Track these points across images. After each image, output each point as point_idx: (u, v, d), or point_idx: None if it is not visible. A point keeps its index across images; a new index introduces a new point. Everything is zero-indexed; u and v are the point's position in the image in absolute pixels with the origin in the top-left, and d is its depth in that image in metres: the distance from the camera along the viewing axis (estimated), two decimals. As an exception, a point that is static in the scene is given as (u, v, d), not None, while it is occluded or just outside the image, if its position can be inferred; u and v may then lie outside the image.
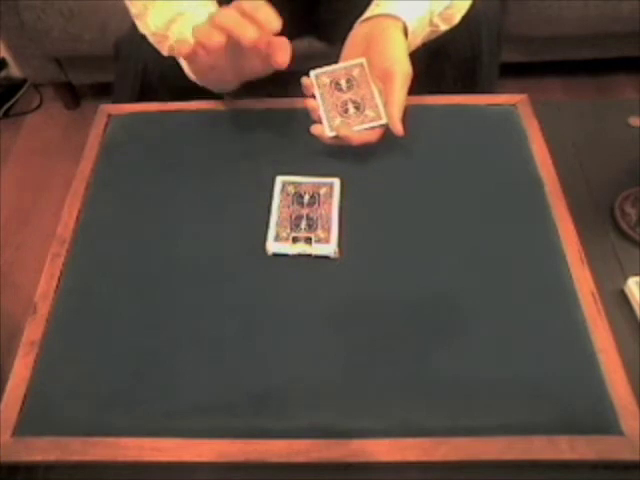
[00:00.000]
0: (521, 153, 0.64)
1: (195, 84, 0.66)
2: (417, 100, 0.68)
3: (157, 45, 0.71)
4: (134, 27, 0.73)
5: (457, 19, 0.70)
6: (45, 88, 1.61)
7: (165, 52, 0.70)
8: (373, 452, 0.44)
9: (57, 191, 1.34)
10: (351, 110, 0.60)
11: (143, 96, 0.77)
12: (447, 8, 0.67)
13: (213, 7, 0.68)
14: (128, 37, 0.78)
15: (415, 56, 0.69)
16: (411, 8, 0.63)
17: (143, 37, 0.72)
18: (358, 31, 0.64)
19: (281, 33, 0.52)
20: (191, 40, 0.52)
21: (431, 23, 0.67)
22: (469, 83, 0.79)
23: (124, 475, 0.46)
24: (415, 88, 0.62)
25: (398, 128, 0.58)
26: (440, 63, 0.78)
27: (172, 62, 0.69)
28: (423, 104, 0.68)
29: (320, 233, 0.56)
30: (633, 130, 0.72)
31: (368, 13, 0.64)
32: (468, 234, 0.57)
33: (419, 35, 0.66)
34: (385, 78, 0.60)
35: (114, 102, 0.76)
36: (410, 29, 0.63)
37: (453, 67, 0.78)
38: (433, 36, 0.70)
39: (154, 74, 0.76)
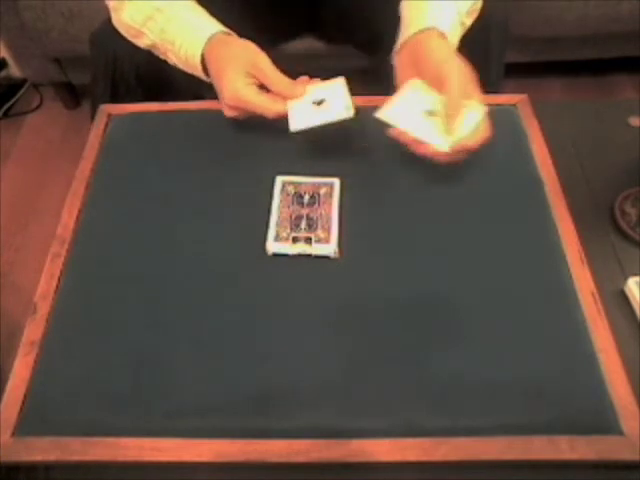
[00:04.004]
0: (521, 153, 0.64)
1: (168, 79, 0.66)
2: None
3: (132, 39, 0.72)
4: (108, 21, 0.74)
5: (478, 10, 0.70)
6: (45, 88, 1.61)
7: (142, 45, 0.71)
8: (373, 452, 0.44)
9: (57, 191, 1.34)
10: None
11: (116, 89, 0.77)
12: (474, 4, 0.67)
13: (186, 5, 0.68)
14: (101, 30, 0.79)
15: None
16: (443, 16, 0.63)
17: (116, 31, 0.72)
18: (402, 54, 0.63)
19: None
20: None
21: (462, 23, 0.67)
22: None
23: (124, 475, 0.46)
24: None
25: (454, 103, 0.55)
26: None
27: (144, 55, 0.69)
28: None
29: (320, 233, 0.56)
30: (633, 130, 0.72)
31: (405, 35, 0.63)
32: (468, 234, 0.57)
33: (454, 37, 0.66)
34: (440, 83, 0.58)
35: (92, 96, 0.77)
36: (448, 37, 0.63)
37: None
38: (463, 33, 0.69)
39: (125, 66, 0.76)
